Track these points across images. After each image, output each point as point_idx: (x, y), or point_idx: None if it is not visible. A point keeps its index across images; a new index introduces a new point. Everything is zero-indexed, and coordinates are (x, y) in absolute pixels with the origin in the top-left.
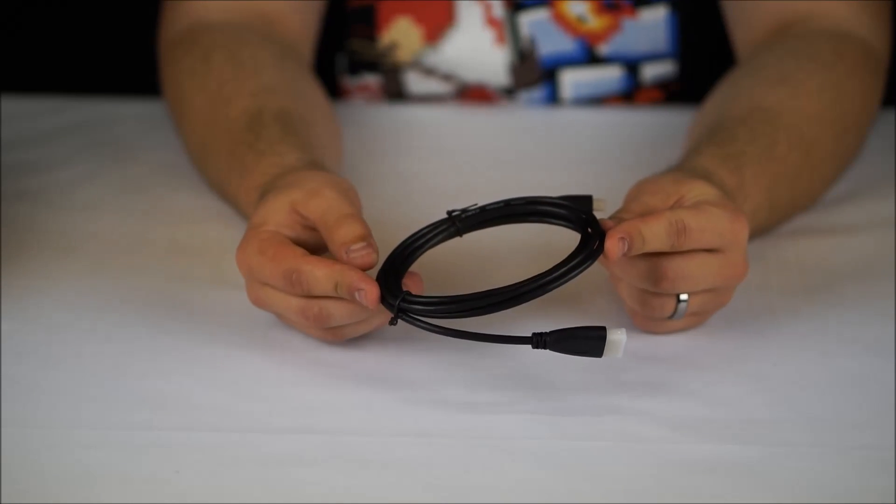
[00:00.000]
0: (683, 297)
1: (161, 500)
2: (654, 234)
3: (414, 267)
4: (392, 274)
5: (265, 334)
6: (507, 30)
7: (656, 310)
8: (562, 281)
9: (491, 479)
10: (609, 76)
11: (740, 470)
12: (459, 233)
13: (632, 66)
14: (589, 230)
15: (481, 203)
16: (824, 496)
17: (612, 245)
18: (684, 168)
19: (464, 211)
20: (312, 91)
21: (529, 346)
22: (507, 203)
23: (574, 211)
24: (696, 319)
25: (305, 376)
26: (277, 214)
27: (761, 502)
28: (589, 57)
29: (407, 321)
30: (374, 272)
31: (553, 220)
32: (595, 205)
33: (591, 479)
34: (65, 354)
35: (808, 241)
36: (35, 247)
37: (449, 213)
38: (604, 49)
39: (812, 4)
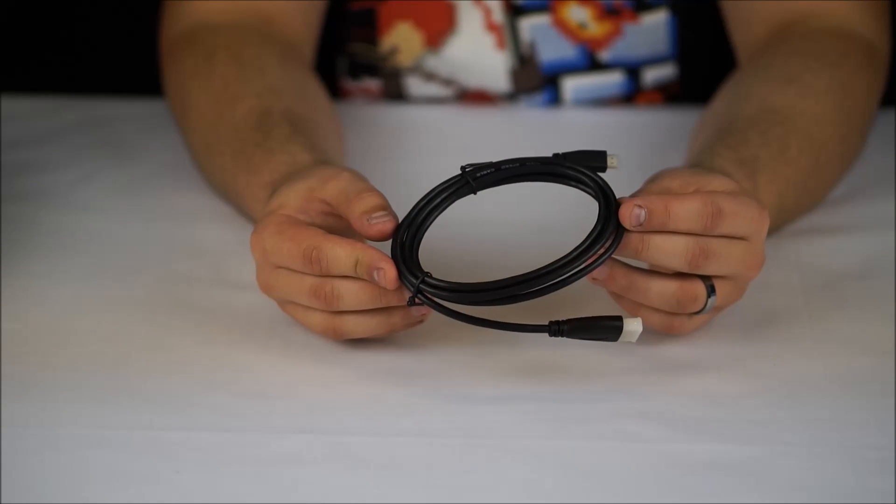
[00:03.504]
0: (711, 286)
1: (161, 500)
2: (685, 212)
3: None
4: (408, 244)
5: (266, 334)
6: (508, 34)
7: (689, 303)
8: (586, 270)
9: (491, 479)
10: (610, 81)
11: (740, 470)
12: (474, 191)
13: (633, 70)
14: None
15: (496, 160)
16: (824, 496)
17: (627, 211)
18: (702, 166)
19: (478, 168)
20: (316, 92)
21: (546, 334)
22: (523, 163)
23: (591, 177)
24: (713, 314)
25: (306, 376)
26: (295, 200)
27: (761, 502)
28: (590, 63)
29: (424, 303)
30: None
31: (569, 182)
32: (609, 161)
33: (591, 479)
34: (65, 354)
35: (808, 241)
36: (35, 247)
37: (463, 168)
38: (605, 55)
39: (813, 4)
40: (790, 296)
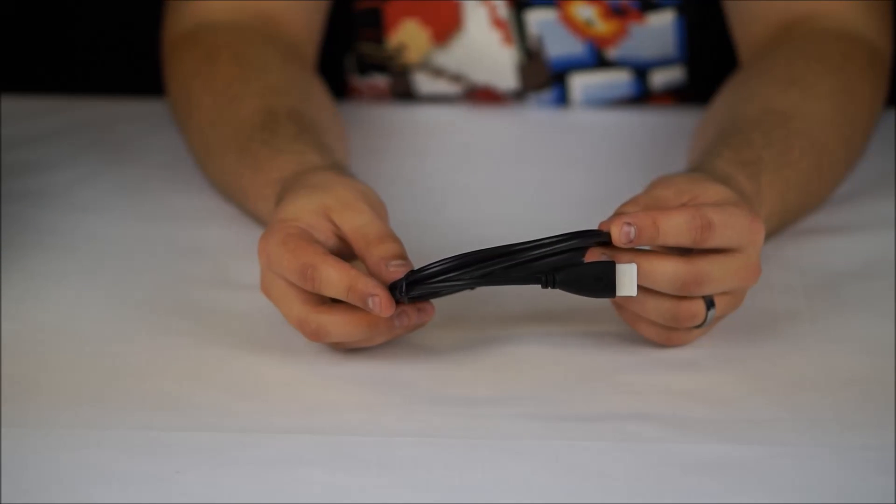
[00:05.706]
0: (711, 301)
1: (161, 500)
2: (674, 227)
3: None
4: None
5: (265, 334)
6: (514, 30)
7: (687, 320)
8: (565, 243)
9: (491, 479)
10: (618, 80)
11: (740, 470)
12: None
13: (641, 71)
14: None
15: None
16: (824, 496)
17: (616, 229)
18: (703, 170)
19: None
20: (319, 92)
21: (539, 286)
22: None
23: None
24: (711, 325)
25: (305, 376)
26: (309, 216)
27: (761, 502)
28: (598, 61)
29: (423, 295)
30: None
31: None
32: None
33: (591, 479)
34: (65, 354)
35: (808, 241)
36: (35, 247)
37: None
38: (613, 53)
39: (815, 4)
40: (791, 296)
